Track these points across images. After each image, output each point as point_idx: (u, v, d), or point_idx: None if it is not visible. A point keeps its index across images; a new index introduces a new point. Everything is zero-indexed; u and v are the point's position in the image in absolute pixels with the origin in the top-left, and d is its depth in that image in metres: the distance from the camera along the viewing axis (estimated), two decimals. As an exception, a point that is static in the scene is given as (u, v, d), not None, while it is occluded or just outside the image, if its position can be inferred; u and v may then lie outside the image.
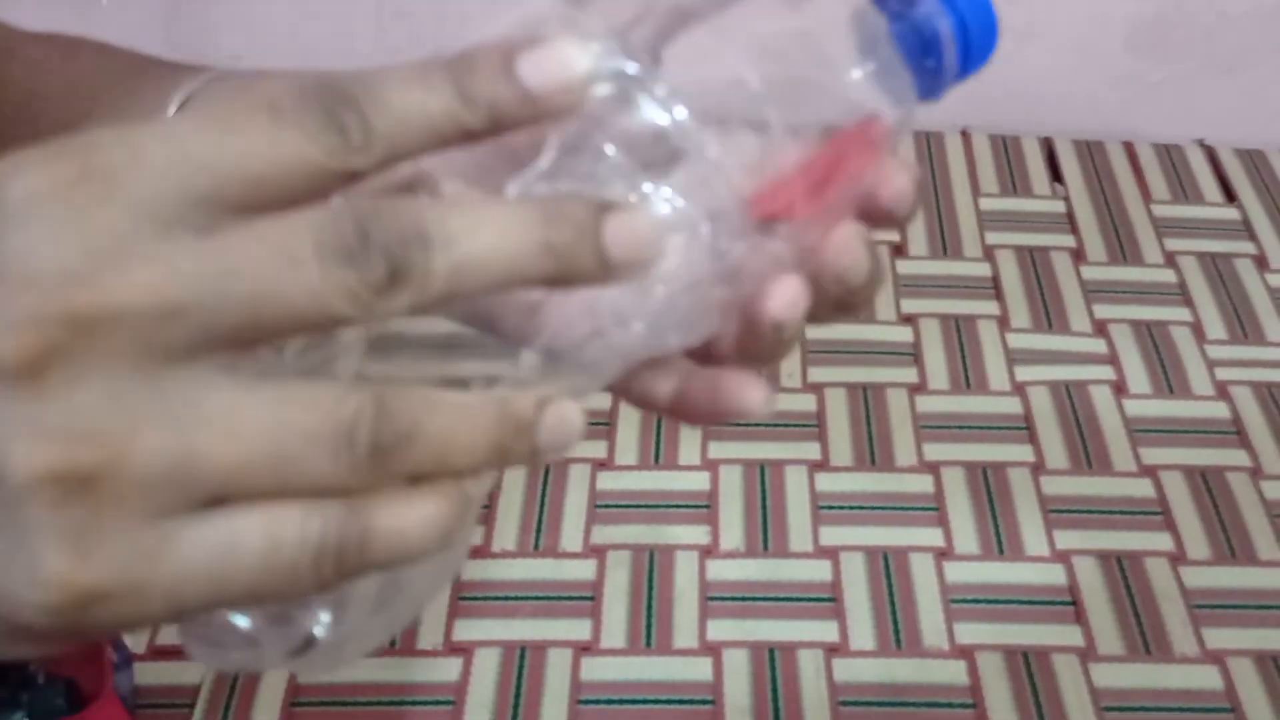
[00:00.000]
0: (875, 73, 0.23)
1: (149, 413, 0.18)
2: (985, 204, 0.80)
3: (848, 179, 0.24)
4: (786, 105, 0.23)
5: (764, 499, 0.63)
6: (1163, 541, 0.61)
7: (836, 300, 0.25)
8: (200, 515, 0.19)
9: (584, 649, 0.56)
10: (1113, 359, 0.70)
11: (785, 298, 0.24)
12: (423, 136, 0.20)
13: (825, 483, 0.63)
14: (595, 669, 0.56)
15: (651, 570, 0.60)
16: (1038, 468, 0.64)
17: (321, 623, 0.22)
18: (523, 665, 0.56)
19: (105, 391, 0.18)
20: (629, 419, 0.67)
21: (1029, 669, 0.56)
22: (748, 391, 0.25)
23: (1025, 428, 0.66)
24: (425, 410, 0.19)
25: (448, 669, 0.55)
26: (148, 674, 0.55)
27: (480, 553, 0.60)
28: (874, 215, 0.25)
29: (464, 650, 0.56)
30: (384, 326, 0.22)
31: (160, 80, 0.37)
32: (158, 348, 0.18)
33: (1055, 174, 0.83)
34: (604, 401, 0.66)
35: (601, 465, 0.64)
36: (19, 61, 0.40)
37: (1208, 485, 0.64)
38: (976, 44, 0.24)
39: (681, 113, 0.22)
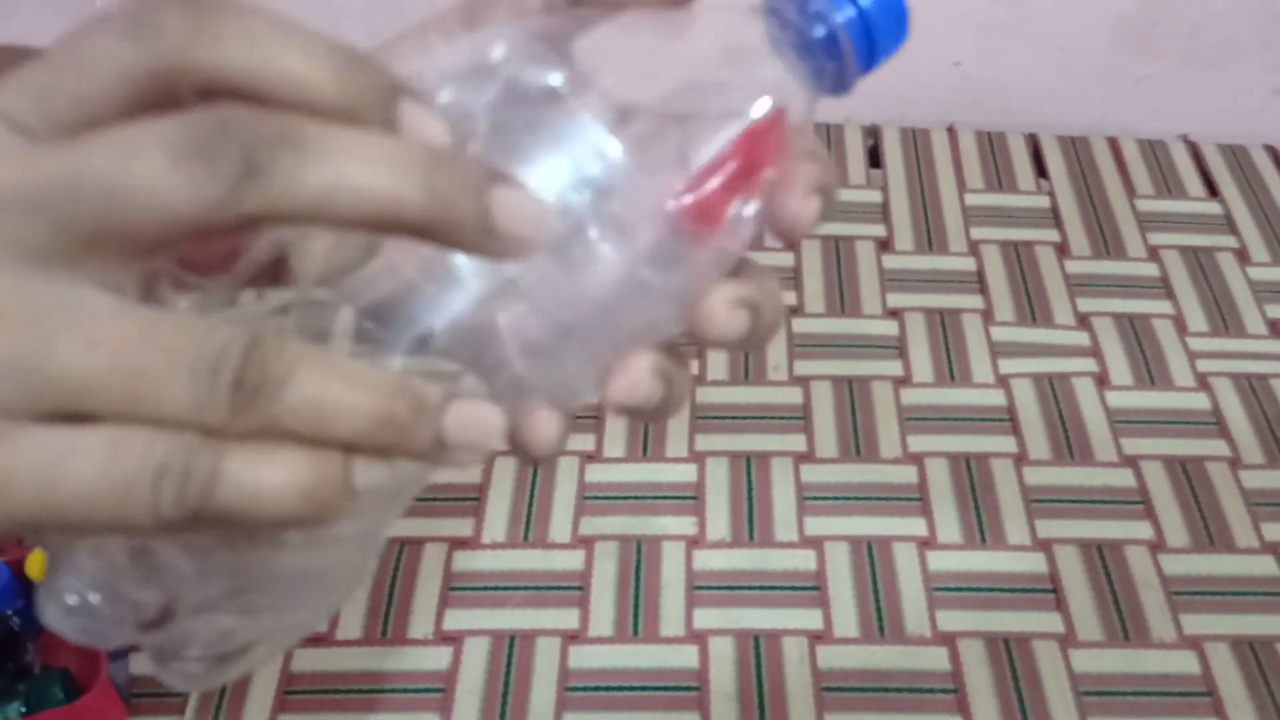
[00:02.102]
0: (779, 70, 0.24)
1: (12, 307, 0.18)
2: (970, 199, 0.81)
3: (762, 179, 0.24)
4: (698, 100, 0.24)
5: (750, 490, 0.64)
6: (1143, 530, 0.62)
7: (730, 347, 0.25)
8: (48, 425, 0.18)
9: (572, 637, 0.57)
10: (1095, 351, 0.71)
11: (625, 383, 0.24)
12: (348, 208, 0.19)
13: (810, 474, 0.64)
14: (583, 657, 0.57)
15: (639, 560, 0.60)
16: (1020, 458, 0.65)
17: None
18: (512, 653, 0.57)
19: None
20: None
21: (1010, 655, 0.57)
22: (545, 429, 0.24)
23: (1008, 419, 0.67)
24: (305, 363, 0.19)
25: (438, 657, 0.56)
26: (143, 664, 0.56)
27: (470, 544, 0.61)
28: (775, 230, 0.25)
29: (454, 639, 0.57)
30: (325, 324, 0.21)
31: None
32: (27, 244, 0.18)
33: (1040, 170, 0.84)
34: (594, 396, 0.67)
35: (590, 458, 0.65)
36: None
37: (1188, 475, 0.65)
38: (872, 43, 0.24)
39: (616, 150, 0.22)
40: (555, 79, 0.22)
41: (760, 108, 0.24)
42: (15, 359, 0.18)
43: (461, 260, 0.21)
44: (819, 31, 0.24)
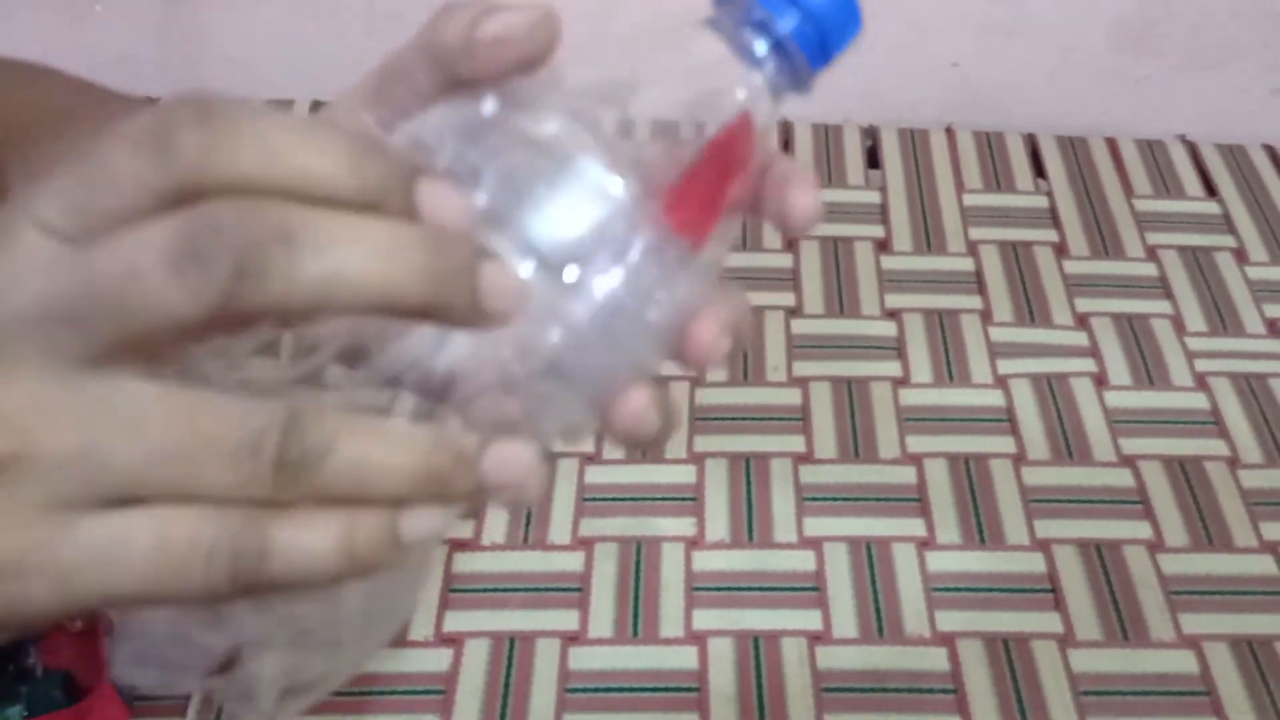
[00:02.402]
0: (737, 77, 0.25)
1: (61, 409, 0.20)
2: (969, 200, 0.81)
3: (736, 185, 0.25)
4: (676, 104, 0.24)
5: (749, 491, 0.64)
6: (1141, 530, 0.62)
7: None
8: (102, 511, 0.20)
9: (572, 639, 0.57)
10: (1094, 351, 0.71)
11: (630, 414, 0.25)
12: (346, 300, 0.20)
13: (809, 475, 0.64)
14: (583, 658, 0.57)
15: (638, 561, 0.61)
16: (1019, 459, 0.65)
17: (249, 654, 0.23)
18: (512, 655, 0.57)
19: (24, 389, 0.20)
20: (618, 414, 0.67)
21: (1009, 655, 0.57)
22: (531, 473, 0.24)
23: (1007, 420, 0.67)
24: (343, 431, 0.20)
25: (438, 659, 0.56)
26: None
27: (470, 545, 0.61)
28: (785, 229, 0.26)
29: (454, 641, 0.57)
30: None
31: (114, 111, 0.39)
32: (64, 352, 0.20)
33: (1039, 170, 0.84)
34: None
35: (589, 459, 0.65)
36: None
37: (1186, 475, 0.65)
38: (824, 43, 0.25)
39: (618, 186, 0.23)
40: (550, 126, 0.23)
41: (724, 115, 0.24)
42: (68, 455, 0.19)
43: None
44: (764, 44, 0.25)
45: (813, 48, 0.25)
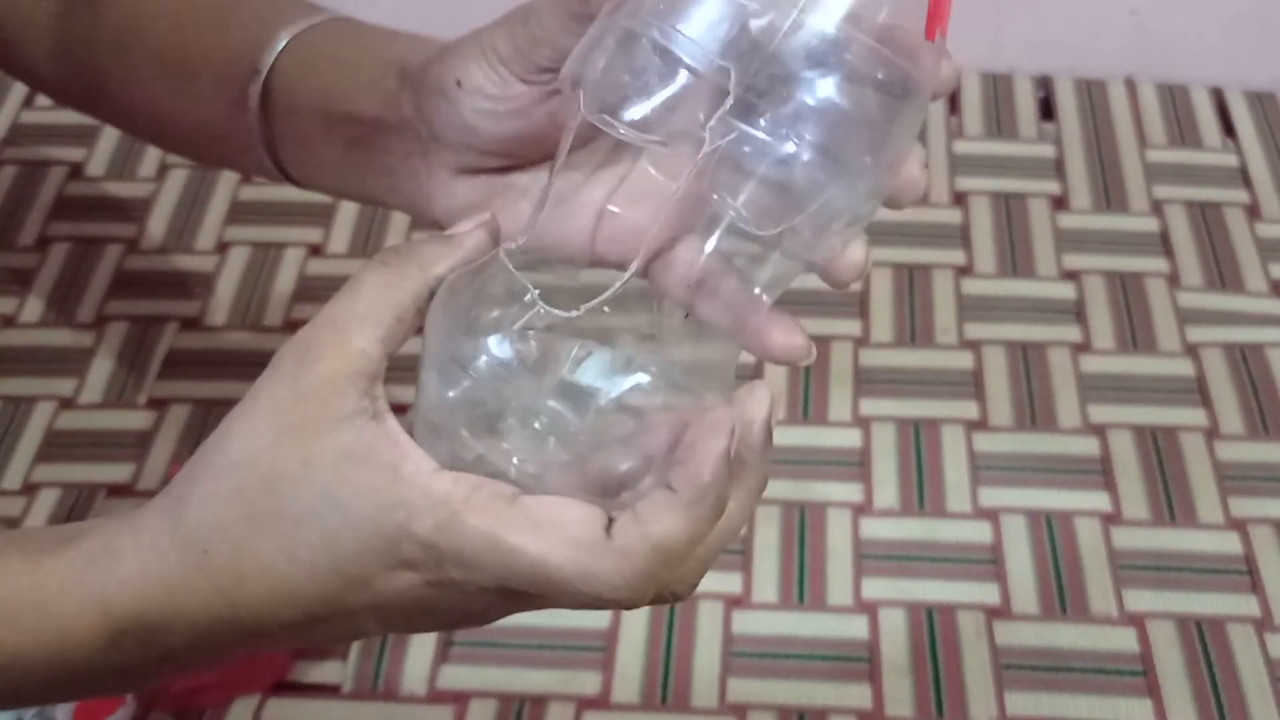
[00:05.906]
0: None
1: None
2: (1152, 156, 0.76)
3: None
4: None
5: (919, 458, 0.61)
6: (1348, 512, 0.58)
7: None
8: None
9: (735, 602, 0.56)
10: (1291, 320, 0.67)
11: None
12: None
13: (983, 443, 0.62)
14: (747, 622, 0.55)
15: (802, 526, 0.59)
16: (1212, 433, 0.61)
17: None
18: (673, 616, 0.55)
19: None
20: (775, 374, 0.65)
21: (1202, 638, 0.54)
22: (791, 339, 0.29)
23: (1197, 391, 0.63)
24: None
25: (598, 617, 0.55)
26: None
27: (630, 503, 0.60)
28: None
29: (616, 599, 0.56)
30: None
31: (262, 11, 0.38)
32: None
33: (1227, 126, 0.78)
34: (749, 357, 0.65)
35: (750, 419, 0.63)
36: None
37: (1397, 455, 0.60)
38: None
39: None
40: None
41: None
42: None
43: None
44: None
45: None
